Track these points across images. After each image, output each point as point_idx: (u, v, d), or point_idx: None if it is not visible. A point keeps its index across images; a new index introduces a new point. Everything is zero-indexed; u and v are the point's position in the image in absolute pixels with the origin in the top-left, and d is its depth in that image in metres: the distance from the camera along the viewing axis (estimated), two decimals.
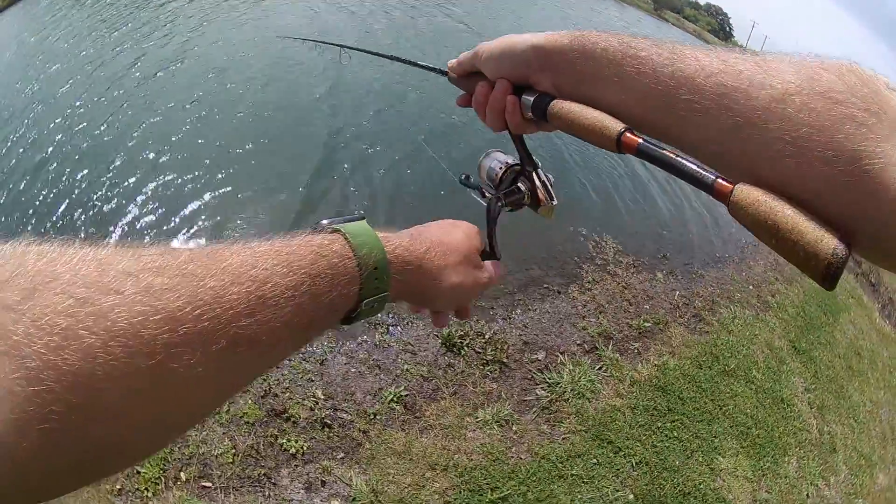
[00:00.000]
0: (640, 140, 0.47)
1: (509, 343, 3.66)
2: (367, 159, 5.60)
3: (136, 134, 5.41)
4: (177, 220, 4.31)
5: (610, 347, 3.90)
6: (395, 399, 2.90)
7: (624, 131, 0.49)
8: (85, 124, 5.61)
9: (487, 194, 0.70)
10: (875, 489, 3.85)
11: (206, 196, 4.57)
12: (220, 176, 4.86)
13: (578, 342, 3.91)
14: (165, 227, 4.20)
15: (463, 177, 0.74)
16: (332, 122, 6.20)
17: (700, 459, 3.29)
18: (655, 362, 3.92)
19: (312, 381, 2.83)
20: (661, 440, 3.33)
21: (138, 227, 4.20)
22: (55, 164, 4.89)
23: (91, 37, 8.46)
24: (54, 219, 4.20)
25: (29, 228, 4.11)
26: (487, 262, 0.63)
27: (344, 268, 0.44)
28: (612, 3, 27.34)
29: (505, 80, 0.61)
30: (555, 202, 0.68)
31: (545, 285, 4.40)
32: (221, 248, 0.39)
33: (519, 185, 0.68)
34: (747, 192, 0.39)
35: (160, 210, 4.36)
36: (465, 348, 3.45)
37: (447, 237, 0.58)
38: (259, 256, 0.39)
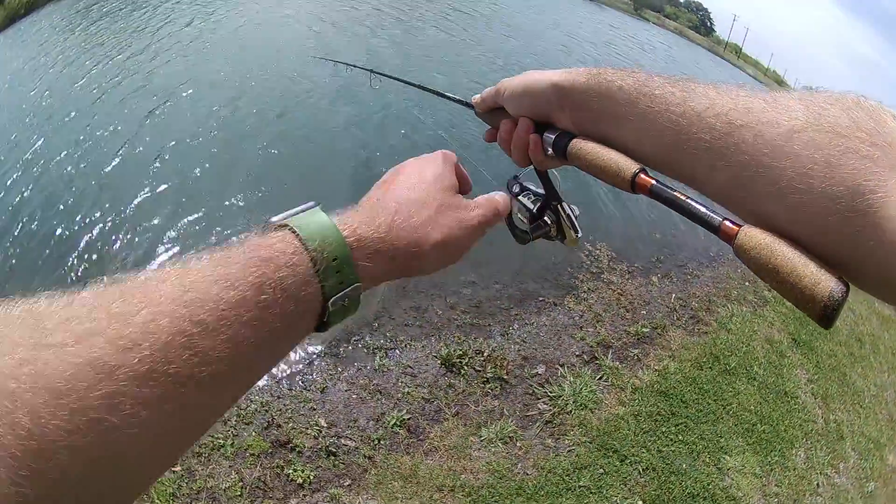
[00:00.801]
0: (653, 182, 0.51)
1: (508, 359, 3.80)
2: None
3: (151, 165, 5.56)
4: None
5: (609, 356, 4.05)
6: (398, 423, 3.04)
7: (638, 172, 0.52)
8: (94, 156, 5.76)
9: (518, 224, 0.77)
10: (886, 470, 4.01)
11: (229, 231, 4.71)
12: (243, 205, 5.04)
13: (578, 353, 4.06)
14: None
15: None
16: (365, 147, 6.43)
17: (707, 460, 3.43)
18: (656, 367, 4.07)
19: (315, 409, 2.97)
20: (667, 444, 3.47)
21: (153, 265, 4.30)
22: (64, 200, 5.03)
23: (92, 62, 8.70)
24: (63, 259, 4.31)
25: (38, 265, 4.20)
26: (479, 198, 0.59)
27: (294, 268, 0.40)
28: (593, 6, 28.05)
29: (527, 118, 0.66)
30: (579, 234, 0.73)
31: (541, 298, 4.56)
32: (155, 276, 0.36)
33: (545, 218, 0.75)
34: (751, 236, 0.42)
35: (179, 248, 4.48)
36: (465, 367, 3.60)
37: (415, 189, 0.53)
38: (194, 276, 0.36)
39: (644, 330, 4.43)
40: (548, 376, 3.78)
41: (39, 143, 6.16)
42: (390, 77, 1.36)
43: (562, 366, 3.87)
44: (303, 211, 0.46)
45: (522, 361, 3.86)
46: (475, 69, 10.49)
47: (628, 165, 0.53)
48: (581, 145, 0.58)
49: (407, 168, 0.57)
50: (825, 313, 0.37)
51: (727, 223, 0.44)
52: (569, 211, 0.74)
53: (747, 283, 5.72)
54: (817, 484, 3.59)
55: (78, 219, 4.72)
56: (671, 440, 3.51)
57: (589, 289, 4.81)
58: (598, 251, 5.41)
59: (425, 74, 9.41)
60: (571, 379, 3.74)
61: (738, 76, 26.14)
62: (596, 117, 0.58)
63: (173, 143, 6.01)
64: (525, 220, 0.76)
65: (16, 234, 4.59)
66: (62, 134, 6.31)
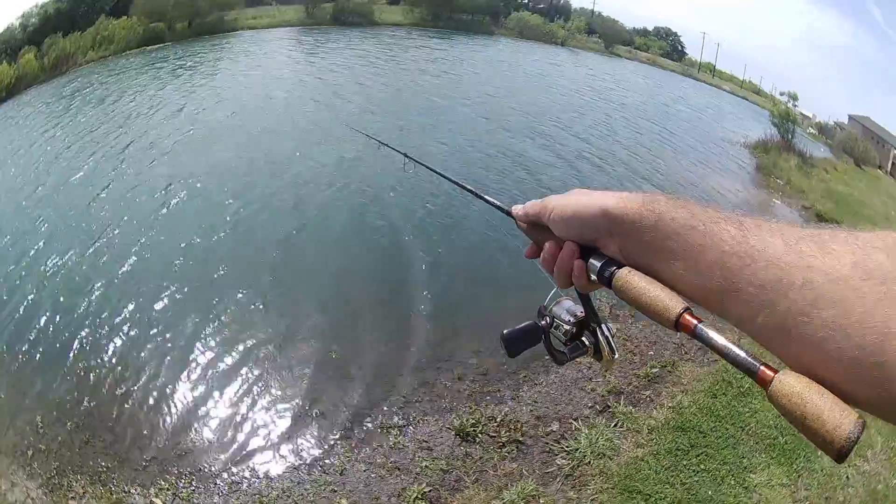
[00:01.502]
0: (696, 324, 0.57)
1: (522, 421, 4.24)
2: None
3: (169, 266, 6.15)
4: (229, 361, 4.86)
5: (622, 402, 4.49)
6: (419, 496, 3.47)
7: (682, 313, 0.58)
8: (108, 256, 6.34)
9: (555, 346, 0.87)
10: None
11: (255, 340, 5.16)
12: (272, 307, 5.56)
13: (590, 405, 4.50)
14: (218, 370, 4.78)
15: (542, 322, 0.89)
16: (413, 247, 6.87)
17: (732, 483, 3.81)
18: (669, 405, 4.50)
19: (336, 491, 3.44)
20: (690, 476, 3.85)
21: (186, 372, 4.76)
22: (81, 302, 5.57)
23: (89, 151, 9.61)
24: (86, 364, 4.80)
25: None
26: None
27: None
28: (566, 52, 30.16)
29: (572, 242, 0.73)
30: (616, 355, 0.81)
31: (546, 357, 4.93)
32: None
33: (584, 339, 0.83)
34: (784, 384, 0.49)
35: (205, 357, 4.94)
36: (480, 435, 4.05)
37: None
38: None
39: (654, 370, 4.88)
40: (563, 432, 4.21)
41: (46, 239, 6.82)
42: (425, 166, 1.50)
43: (576, 419, 4.30)
44: None
45: (536, 421, 4.29)
46: (473, 135, 11.58)
47: (673, 305, 0.58)
48: (627, 278, 0.64)
49: None
50: (840, 453, 0.45)
51: (764, 369, 0.51)
52: (607, 333, 0.82)
53: None
54: (847, 476, 3.94)
55: (97, 324, 5.26)
56: (693, 471, 3.90)
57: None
58: (598, 301, 5.81)
59: (419, 133, 10.50)
60: (586, 431, 4.16)
61: (718, 96, 27.69)
62: (644, 249, 0.64)
63: (193, 239, 6.65)
64: (563, 341, 0.85)
65: (34, 334, 5.15)
66: (71, 230, 6.98)
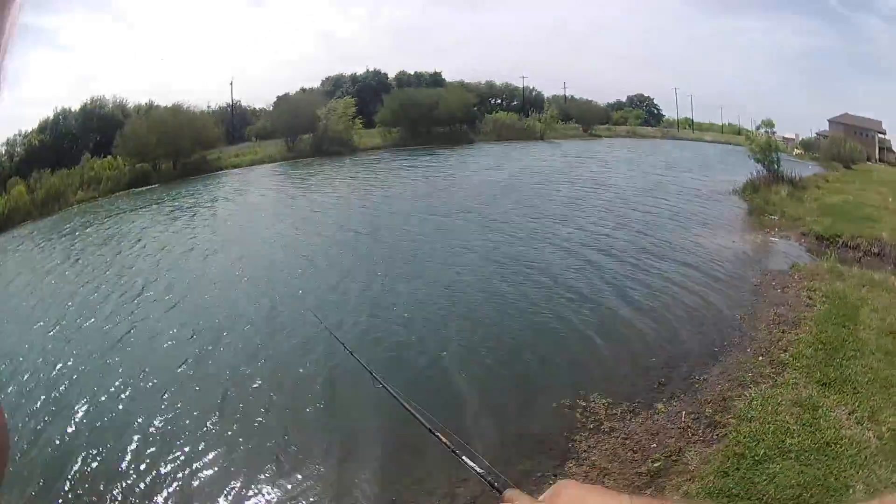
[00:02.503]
0: None
1: None
2: None
3: (201, 424, 6.06)
4: None
5: None
6: None
7: None
8: (138, 410, 6.34)
9: None
10: None
11: None
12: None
13: None
14: None
15: None
16: None
17: None
18: (675, 497, 4.37)
19: None
20: None
21: None
22: (115, 459, 5.53)
23: (102, 295, 10.01)
24: None
25: None
26: None
27: None
28: (547, 146, 32.01)
29: None
30: None
31: (538, 474, 4.89)
32: None
33: None
34: None
35: None
36: None
37: None
38: None
39: (656, 465, 4.76)
40: None
41: (69, 381, 6.98)
42: (396, 399, 1.46)
43: None
44: None
45: None
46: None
47: None
48: None
49: None
50: None
51: None
52: None
53: (760, 358, 6.17)
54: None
55: (121, 470, 5.29)
56: None
57: (589, 446, 5.19)
58: (591, 403, 5.74)
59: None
60: None
61: (700, 149, 29.09)
62: None
63: (217, 397, 6.56)
64: None
65: (55, 479, 5.17)
66: (93, 375, 7.12)
